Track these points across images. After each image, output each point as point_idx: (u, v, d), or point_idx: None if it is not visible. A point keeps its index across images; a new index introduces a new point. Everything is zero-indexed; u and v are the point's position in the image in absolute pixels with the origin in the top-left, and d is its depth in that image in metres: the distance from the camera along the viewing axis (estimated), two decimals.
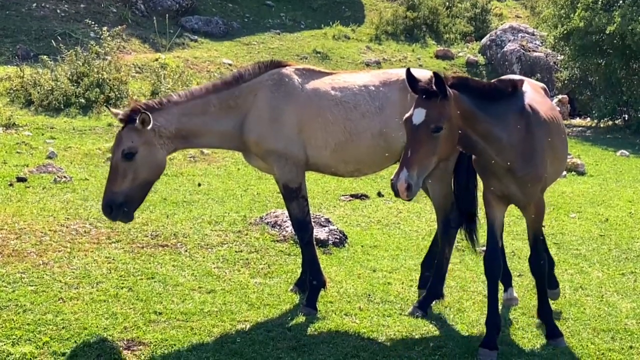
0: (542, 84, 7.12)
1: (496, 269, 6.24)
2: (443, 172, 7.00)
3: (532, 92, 6.39)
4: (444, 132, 5.44)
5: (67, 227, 8.66)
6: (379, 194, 11.88)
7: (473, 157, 6.17)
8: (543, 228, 10.07)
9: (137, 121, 6.52)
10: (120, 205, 6.58)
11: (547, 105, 6.42)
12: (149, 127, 6.54)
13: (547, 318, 6.52)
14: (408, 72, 5.68)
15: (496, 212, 6.24)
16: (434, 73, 5.49)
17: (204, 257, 8.17)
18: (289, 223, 8.43)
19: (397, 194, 5.44)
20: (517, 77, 7.01)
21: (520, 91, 6.08)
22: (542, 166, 5.99)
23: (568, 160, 14.36)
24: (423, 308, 7.06)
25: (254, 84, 6.94)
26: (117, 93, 17.33)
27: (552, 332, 6.49)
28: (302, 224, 7.09)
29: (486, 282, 6.34)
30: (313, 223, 7.38)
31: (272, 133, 6.83)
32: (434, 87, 5.46)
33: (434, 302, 7.22)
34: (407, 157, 5.42)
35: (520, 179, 5.93)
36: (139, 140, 6.58)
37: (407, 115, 5.56)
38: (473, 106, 5.67)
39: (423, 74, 7.44)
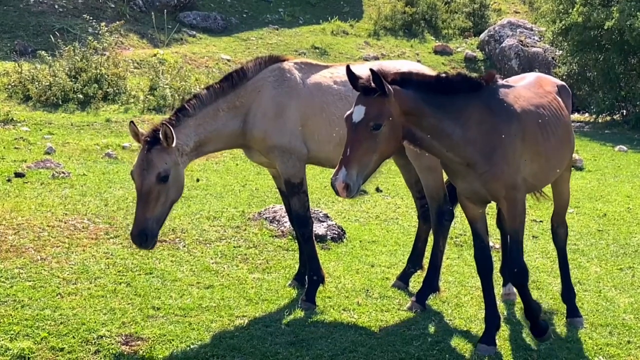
0: (559, 82, 6.89)
1: (487, 266, 6.20)
2: (435, 162, 6.99)
3: (523, 87, 6.30)
4: (384, 129, 5.36)
5: (65, 223, 8.66)
6: (377, 190, 11.89)
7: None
8: (541, 222, 10.09)
9: (160, 136, 6.30)
10: (153, 231, 6.34)
11: (534, 102, 6.16)
12: (174, 144, 6.35)
13: (533, 318, 6.32)
14: (348, 69, 5.60)
15: (473, 212, 6.17)
16: (371, 70, 5.38)
17: (202, 253, 8.18)
18: (287, 218, 8.44)
19: (337, 193, 5.39)
20: (534, 73, 7.01)
21: (491, 85, 5.91)
22: (505, 164, 5.77)
23: None
24: (421, 302, 7.09)
25: (257, 81, 6.93)
26: (115, 89, 17.37)
27: (535, 330, 6.36)
28: (303, 219, 7.10)
29: (479, 280, 6.33)
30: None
31: (277, 128, 6.84)
32: (372, 84, 5.38)
33: (430, 296, 7.24)
34: (346, 156, 5.35)
35: (481, 176, 5.76)
36: (171, 161, 6.38)
37: (347, 112, 5.50)
38: (420, 101, 5.54)
39: (418, 66, 7.53)
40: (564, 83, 6.97)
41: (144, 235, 6.28)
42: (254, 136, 6.87)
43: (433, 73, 7.61)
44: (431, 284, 7.30)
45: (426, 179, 7.26)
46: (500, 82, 6.08)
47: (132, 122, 6.55)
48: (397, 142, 5.56)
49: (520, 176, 5.90)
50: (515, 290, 7.35)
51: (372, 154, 5.38)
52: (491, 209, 10.72)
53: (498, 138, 5.74)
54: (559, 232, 7.12)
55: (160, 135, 6.30)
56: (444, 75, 6.05)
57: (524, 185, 5.99)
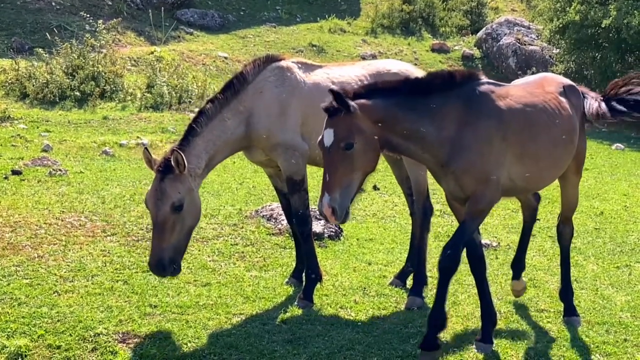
0: (567, 82, 6.68)
1: (480, 264, 6.14)
2: None
3: (516, 86, 6.21)
4: (357, 146, 5.29)
5: (62, 220, 8.65)
6: (375, 188, 11.89)
7: None
8: (538, 220, 10.08)
9: (172, 163, 6.28)
10: (172, 260, 6.34)
11: (524, 101, 6.00)
12: (186, 170, 6.35)
13: (432, 325, 5.91)
14: None
15: (461, 213, 6.09)
16: (330, 90, 5.31)
17: (199, 250, 8.17)
18: (284, 216, 8.44)
19: (325, 219, 5.39)
20: (542, 74, 6.99)
21: (473, 83, 5.81)
22: (478, 160, 5.64)
23: None
24: (419, 295, 7.19)
25: (258, 83, 6.96)
26: (112, 86, 17.37)
27: (425, 342, 5.92)
28: (303, 217, 7.11)
29: (473, 278, 6.32)
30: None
31: (280, 126, 6.88)
32: (335, 104, 5.30)
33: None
34: (326, 181, 5.30)
35: (453, 173, 5.68)
36: (184, 189, 6.36)
37: (319, 137, 5.44)
38: (391, 107, 5.46)
39: (401, 66, 7.66)
40: (572, 84, 6.76)
41: (161, 265, 6.30)
42: (258, 135, 6.89)
43: (421, 73, 7.64)
44: (421, 276, 7.42)
45: (416, 174, 7.39)
46: (486, 79, 5.97)
47: (145, 148, 6.54)
48: (376, 154, 5.51)
49: (495, 175, 5.75)
50: (525, 284, 7.29)
51: (352, 173, 5.34)
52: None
53: (473, 136, 5.64)
54: (564, 232, 7.06)
55: (172, 163, 6.29)
56: (412, 77, 5.94)
57: (499, 184, 5.80)
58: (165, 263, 6.30)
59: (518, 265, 7.36)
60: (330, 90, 5.32)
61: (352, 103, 5.32)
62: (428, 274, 7.76)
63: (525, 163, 5.97)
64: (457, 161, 5.63)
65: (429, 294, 7.39)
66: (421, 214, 7.54)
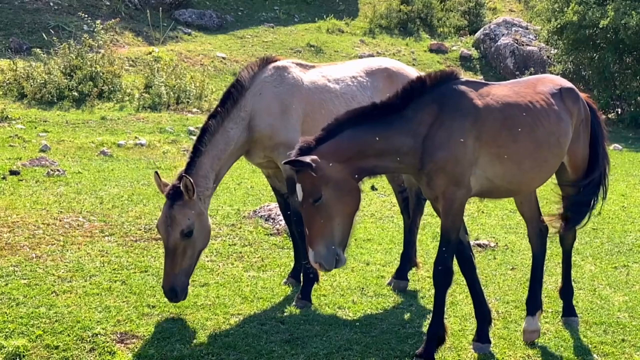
0: (566, 84, 6.42)
1: (468, 265, 6.14)
2: None
3: (502, 85, 6.10)
4: (327, 195, 5.21)
5: (60, 221, 8.65)
6: (373, 188, 11.89)
7: None
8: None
9: (182, 189, 6.27)
10: (183, 285, 6.37)
11: (506, 100, 5.85)
12: (195, 196, 6.34)
13: (431, 337, 5.86)
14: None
15: None
16: (298, 147, 5.23)
17: None
18: (282, 217, 8.44)
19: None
20: (542, 75, 6.93)
21: (445, 83, 5.70)
22: (451, 159, 5.52)
23: None
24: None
25: (256, 86, 6.98)
26: (110, 86, 17.39)
27: (422, 352, 5.85)
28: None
29: (464, 279, 6.31)
30: None
31: (283, 125, 6.91)
32: (298, 158, 5.19)
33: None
34: (308, 236, 5.26)
35: (427, 174, 5.59)
36: (194, 215, 6.37)
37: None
38: (363, 134, 5.34)
39: (390, 63, 7.71)
40: (572, 86, 6.50)
41: (174, 291, 6.32)
42: (261, 135, 6.90)
43: (414, 70, 7.63)
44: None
45: None
46: (465, 79, 5.89)
47: (156, 172, 6.54)
48: (356, 192, 5.44)
49: (467, 175, 5.64)
50: (539, 326, 6.57)
51: (331, 222, 5.28)
52: (476, 204, 10.73)
53: (447, 135, 5.54)
54: (566, 236, 6.97)
55: (182, 189, 6.29)
56: (386, 99, 5.71)
57: (470, 184, 5.70)
58: (178, 290, 6.33)
59: (532, 304, 6.55)
60: (299, 147, 5.24)
61: (308, 159, 5.17)
62: (426, 273, 7.78)
63: (505, 163, 5.82)
64: (431, 162, 5.54)
65: (428, 294, 7.41)
66: (415, 199, 7.75)
